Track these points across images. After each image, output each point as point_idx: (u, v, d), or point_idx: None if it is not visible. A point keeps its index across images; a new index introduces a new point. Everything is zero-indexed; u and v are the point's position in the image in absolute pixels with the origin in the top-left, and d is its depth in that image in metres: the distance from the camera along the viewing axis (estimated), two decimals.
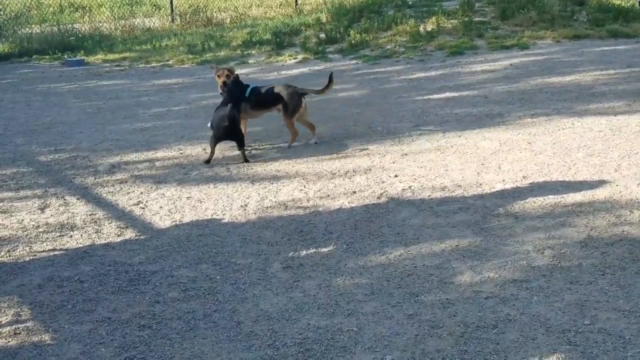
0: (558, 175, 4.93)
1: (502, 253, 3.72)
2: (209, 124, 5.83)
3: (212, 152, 5.65)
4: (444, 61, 10.21)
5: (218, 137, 5.62)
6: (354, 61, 10.77)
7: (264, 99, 6.03)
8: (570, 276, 3.44)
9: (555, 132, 6.06)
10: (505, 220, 4.17)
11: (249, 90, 5.98)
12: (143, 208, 4.65)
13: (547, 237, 3.90)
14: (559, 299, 3.22)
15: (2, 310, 3.29)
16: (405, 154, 5.67)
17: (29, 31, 15.00)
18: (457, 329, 2.99)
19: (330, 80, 6.29)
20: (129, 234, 4.22)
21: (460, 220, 4.20)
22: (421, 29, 11.88)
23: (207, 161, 5.60)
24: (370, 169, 5.30)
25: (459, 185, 4.82)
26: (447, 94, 8.00)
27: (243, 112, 5.91)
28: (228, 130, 5.56)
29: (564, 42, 10.91)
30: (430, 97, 7.94)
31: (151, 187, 5.09)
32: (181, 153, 5.97)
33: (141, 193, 4.97)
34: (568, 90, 7.72)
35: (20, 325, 3.15)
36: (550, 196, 4.52)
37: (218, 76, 5.96)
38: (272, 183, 5.07)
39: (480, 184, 4.82)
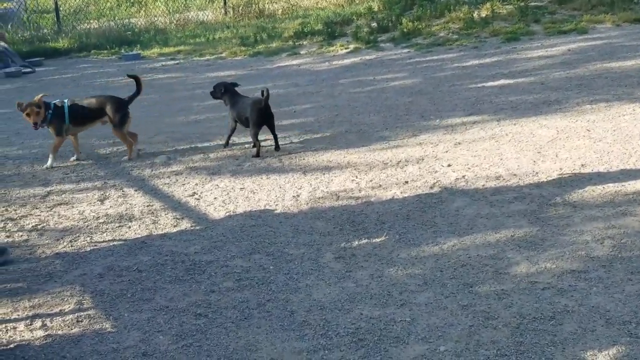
0: (618, 163, 4.80)
1: (560, 243, 3.65)
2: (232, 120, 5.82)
3: (259, 144, 5.67)
4: (499, 48, 10.04)
5: (258, 124, 5.62)
6: (406, 50, 10.68)
7: (86, 113, 5.82)
8: (631, 266, 3.35)
9: (615, 118, 5.90)
10: (563, 209, 4.09)
11: (66, 106, 5.75)
12: (198, 199, 4.73)
13: (607, 226, 3.81)
14: (619, 290, 3.14)
15: (65, 299, 3.38)
16: (459, 143, 5.60)
17: (88, 26, 15.35)
18: (512, 320, 2.95)
19: (136, 80, 6.07)
20: (185, 224, 4.29)
21: (515, 210, 4.13)
22: (475, 15, 11.70)
23: (257, 154, 5.63)
24: (422, 159, 5.26)
25: (515, 174, 4.74)
26: (502, 81, 7.87)
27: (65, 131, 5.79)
28: (266, 113, 5.59)
29: (624, 26, 10.58)
30: (485, 84, 7.82)
31: (206, 179, 5.16)
32: (234, 145, 6.03)
33: (196, 184, 5.05)
34: (629, 76, 7.50)
35: (82, 313, 3.24)
36: (610, 184, 4.41)
37: (27, 114, 5.60)
38: (324, 174, 5.08)
39: (537, 173, 4.74)
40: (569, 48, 9.39)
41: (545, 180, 4.59)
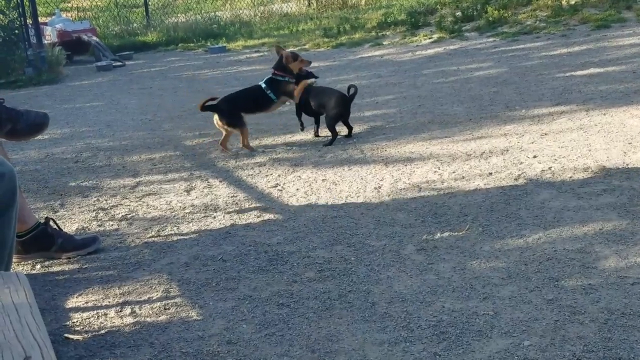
0: None
1: None
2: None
3: (335, 133, 5.81)
4: (589, 35, 9.71)
5: (340, 117, 5.81)
6: (491, 39, 10.47)
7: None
8: None
9: None
10: None
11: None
12: (281, 190, 4.79)
13: None
14: None
15: (153, 287, 3.50)
16: (545, 134, 5.46)
17: (175, 20, 15.78)
18: (600, 315, 2.86)
19: None
20: (268, 215, 4.36)
21: (604, 203, 4.00)
22: (564, 2, 11.35)
23: (331, 143, 5.76)
24: (507, 150, 5.16)
25: (604, 166, 4.59)
26: (592, 70, 7.61)
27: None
28: (348, 108, 5.81)
29: None
30: (573, 73, 7.58)
31: (288, 170, 5.22)
32: (316, 136, 6.07)
33: (279, 175, 5.12)
34: None
35: (169, 301, 3.34)
36: None
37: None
38: (406, 165, 5.05)
39: (627, 165, 4.57)
40: None
41: (636, 172, 4.42)
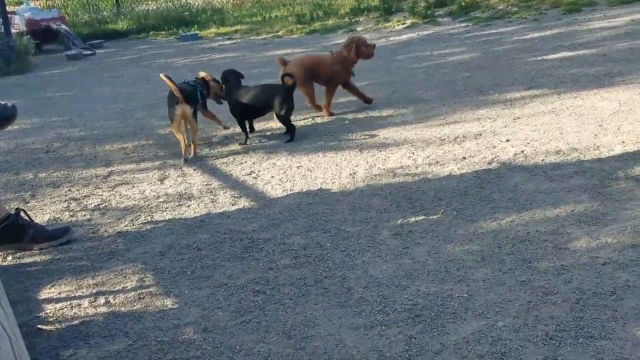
0: None
1: (621, 217, 3.56)
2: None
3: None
4: (560, 19, 9.78)
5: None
6: (464, 24, 10.51)
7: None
8: None
9: None
10: (625, 183, 3.99)
11: None
12: (255, 178, 4.78)
13: None
14: None
15: (127, 277, 3.48)
16: (518, 118, 5.50)
17: (146, 8, 15.62)
18: (572, 295, 2.90)
19: None
20: (243, 203, 4.35)
21: (576, 185, 4.05)
22: None
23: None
24: (480, 134, 5.19)
25: (575, 149, 4.64)
26: (563, 54, 7.67)
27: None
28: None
29: None
30: (545, 57, 7.64)
31: (263, 157, 5.21)
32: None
33: (253, 163, 5.10)
34: None
35: (144, 291, 3.32)
36: None
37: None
38: (380, 151, 5.06)
39: (598, 147, 4.62)
40: (633, 19, 9.08)
41: (606, 154, 4.48)
